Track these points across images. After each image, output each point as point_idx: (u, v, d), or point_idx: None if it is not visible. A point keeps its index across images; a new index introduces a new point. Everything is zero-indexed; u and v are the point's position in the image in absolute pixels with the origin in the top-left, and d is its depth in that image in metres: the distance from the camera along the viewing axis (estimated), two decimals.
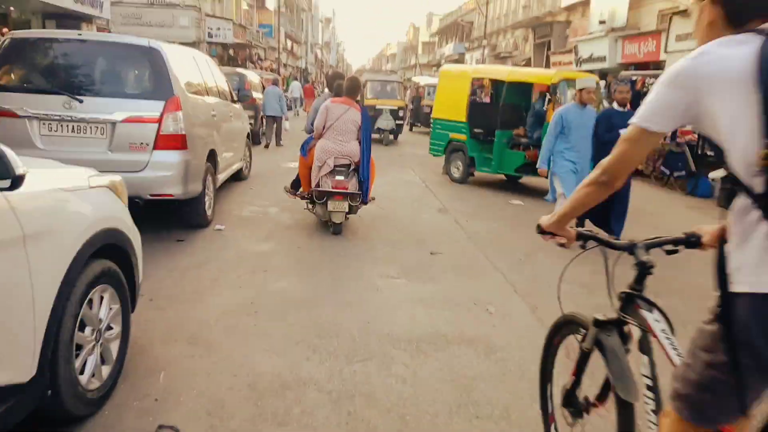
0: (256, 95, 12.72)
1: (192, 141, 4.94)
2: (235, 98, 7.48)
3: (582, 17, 23.24)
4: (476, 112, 9.47)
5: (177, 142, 4.72)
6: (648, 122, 1.45)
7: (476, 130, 9.29)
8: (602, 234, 2.10)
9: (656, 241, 1.81)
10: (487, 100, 12.29)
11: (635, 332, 1.77)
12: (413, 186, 9.24)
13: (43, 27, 12.52)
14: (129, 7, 24.45)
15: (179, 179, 4.79)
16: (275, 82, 15.16)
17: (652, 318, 1.69)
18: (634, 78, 13.06)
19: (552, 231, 1.82)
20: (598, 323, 1.88)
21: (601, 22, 19.38)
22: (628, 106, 5.74)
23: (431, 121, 10.66)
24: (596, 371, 1.91)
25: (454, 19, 48.76)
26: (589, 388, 2.00)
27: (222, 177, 6.37)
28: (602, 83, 20.69)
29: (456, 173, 9.63)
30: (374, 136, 14.56)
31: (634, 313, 1.77)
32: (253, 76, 13.39)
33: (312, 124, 5.83)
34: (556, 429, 2.26)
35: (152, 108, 4.64)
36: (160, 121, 4.63)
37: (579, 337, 2.00)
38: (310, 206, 5.94)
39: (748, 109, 1.24)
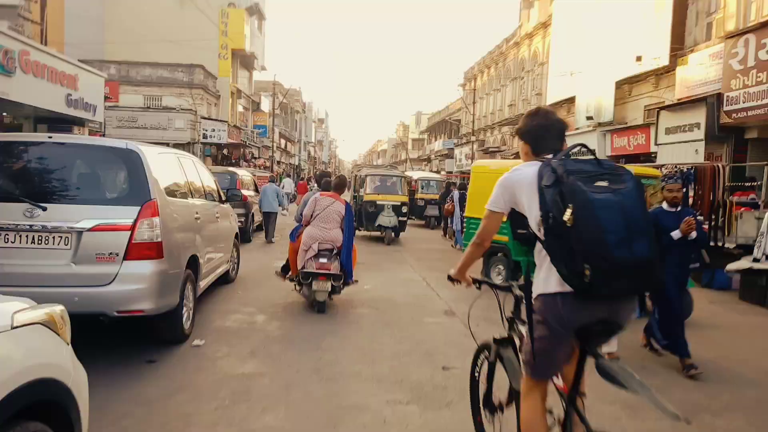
0: (247, 193, 12.44)
1: (170, 248, 4.42)
2: (224, 197, 7.09)
3: (568, 113, 23.96)
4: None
5: (152, 250, 4.19)
6: (493, 206, 2.51)
7: (520, 231, 8.54)
8: (489, 279, 3.35)
9: (527, 282, 2.47)
10: None
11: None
12: (414, 285, 8.65)
13: (35, 132, 12.43)
14: (124, 111, 25.03)
15: (152, 292, 4.21)
16: (272, 180, 15.35)
17: (524, 330, 2.56)
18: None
19: (457, 278, 2.82)
20: (496, 341, 2.90)
21: (588, 118, 19.87)
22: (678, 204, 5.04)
23: (463, 220, 10.03)
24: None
25: (443, 117, 50.71)
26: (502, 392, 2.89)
27: (205, 283, 5.82)
28: None
29: (497, 279, 8.10)
30: (374, 233, 14.52)
31: (515, 330, 2.81)
32: (244, 174, 13.21)
33: (301, 214, 6.53)
34: (482, 426, 3.13)
35: (125, 214, 4.16)
36: (133, 228, 4.13)
37: (488, 353, 2.99)
38: (297, 288, 6.62)
39: (535, 198, 2.27)
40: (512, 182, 2.38)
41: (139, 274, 4.13)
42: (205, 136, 25.91)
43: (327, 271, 6.10)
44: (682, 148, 14.60)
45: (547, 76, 26.41)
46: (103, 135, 16.57)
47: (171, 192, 4.81)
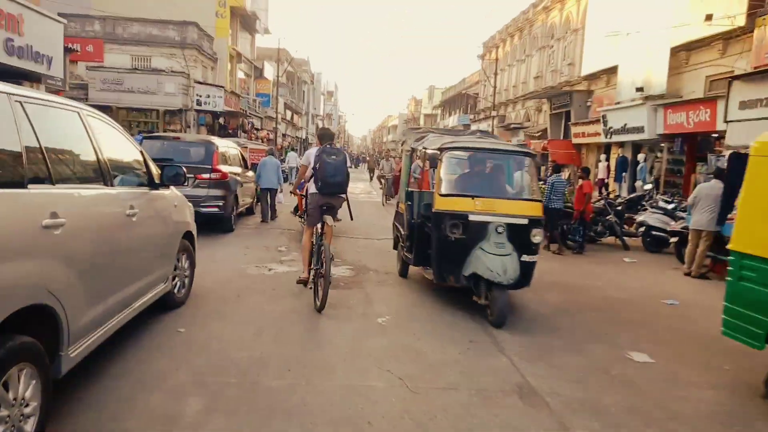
0: (231, 169, 9.96)
1: None
2: (164, 181, 4.61)
3: (607, 85, 21.16)
4: None
5: None
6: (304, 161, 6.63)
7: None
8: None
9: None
10: None
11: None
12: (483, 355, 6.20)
13: None
14: (109, 72, 22.51)
15: None
16: (271, 152, 13.26)
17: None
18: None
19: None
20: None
21: (639, 89, 17.09)
22: None
23: (728, 261, 4.40)
24: None
25: (458, 91, 47.69)
26: None
27: (85, 348, 3.14)
28: (641, 157, 18.35)
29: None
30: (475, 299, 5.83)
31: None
32: (227, 145, 10.69)
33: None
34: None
35: None
36: None
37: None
38: (301, 221, 8.90)
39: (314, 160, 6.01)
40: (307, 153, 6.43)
41: None
42: (199, 103, 23.37)
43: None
44: (761, 126, 11.91)
45: (581, 44, 23.52)
46: (65, 93, 14.01)
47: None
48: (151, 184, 4.39)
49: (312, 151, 6.04)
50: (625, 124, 18.28)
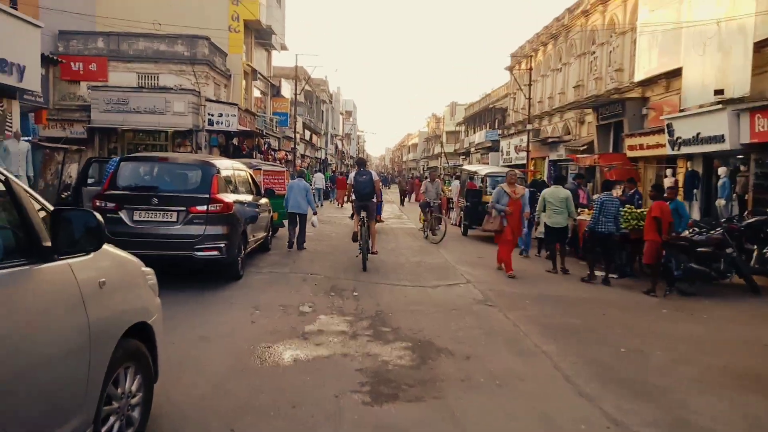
0: (235, 198, 7.66)
1: None
2: (62, 247, 2.25)
3: (666, 92, 18.65)
4: None
5: None
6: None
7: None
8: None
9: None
10: None
11: None
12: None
13: None
14: (113, 92, 20.70)
15: None
16: (301, 174, 12.52)
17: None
18: None
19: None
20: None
21: (718, 92, 14.54)
22: None
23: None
24: None
25: (484, 106, 45.42)
26: None
27: None
28: (722, 171, 15.74)
29: None
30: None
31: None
32: (232, 168, 8.34)
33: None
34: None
35: None
36: None
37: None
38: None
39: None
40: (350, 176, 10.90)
41: None
42: (210, 122, 21.40)
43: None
44: None
45: (630, 47, 21.12)
46: (47, 110, 12.00)
47: None
48: (36, 254, 2.07)
49: (352, 174, 9.99)
50: (698, 134, 15.67)
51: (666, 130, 17.16)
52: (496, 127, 41.24)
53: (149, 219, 6.72)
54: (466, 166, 23.02)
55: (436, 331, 5.47)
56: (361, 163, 10.39)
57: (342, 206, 24.43)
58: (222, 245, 6.82)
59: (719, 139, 14.66)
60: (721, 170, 15.22)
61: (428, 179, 15.46)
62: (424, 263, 9.78)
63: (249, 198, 8.66)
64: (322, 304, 6.45)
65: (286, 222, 12.82)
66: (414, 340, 5.19)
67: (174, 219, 6.70)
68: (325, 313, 6.00)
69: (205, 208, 6.75)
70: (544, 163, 29.26)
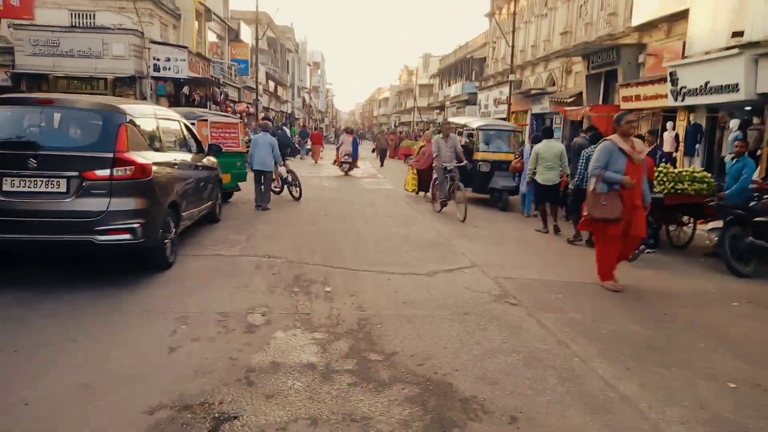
0: (158, 157, 5.58)
1: None
2: None
3: (667, 37, 16.87)
4: None
5: None
6: None
7: None
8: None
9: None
10: None
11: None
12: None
13: None
14: (41, 32, 17.76)
15: None
16: (265, 128, 10.75)
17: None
18: None
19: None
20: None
21: (736, 34, 12.81)
22: None
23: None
24: None
25: (460, 56, 42.99)
26: None
27: None
28: (734, 123, 14.22)
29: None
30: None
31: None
32: (154, 115, 6.06)
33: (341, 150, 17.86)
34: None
35: None
36: None
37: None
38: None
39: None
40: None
41: None
42: (156, 68, 18.72)
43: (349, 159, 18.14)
44: None
45: None
46: None
47: None
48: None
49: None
50: (707, 83, 14.00)
51: (669, 79, 15.48)
52: (474, 79, 39.03)
53: (26, 189, 4.61)
54: (453, 119, 20.80)
55: (451, 359, 3.64)
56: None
57: (317, 163, 23.78)
58: (136, 225, 4.76)
59: (733, 88, 13.03)
60: (733, 122, 13.66)
61: (440, 134, 11.08)
62: (412, 237, 7.92)
63: (184, 157, 6.56)
64: (281, 308, 4.56)
65: (240, 185, 10.80)
66: (421, 379, 3.33)
67: (63, 189, 4.62)
68: (284, 328, 4.10)
69: (107, 172, 4.65)
70: (527, 117, 27.53)
